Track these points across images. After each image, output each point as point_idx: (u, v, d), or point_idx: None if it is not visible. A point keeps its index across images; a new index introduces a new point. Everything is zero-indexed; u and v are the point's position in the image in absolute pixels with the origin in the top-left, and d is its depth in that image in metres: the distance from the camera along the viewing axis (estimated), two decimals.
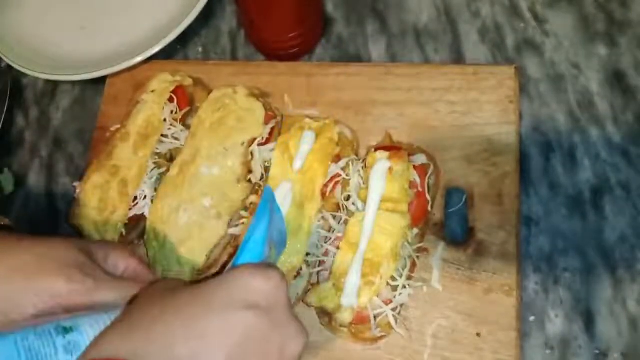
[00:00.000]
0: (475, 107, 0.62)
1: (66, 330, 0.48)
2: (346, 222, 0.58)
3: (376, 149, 0.60)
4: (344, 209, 0.60)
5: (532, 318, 0.58)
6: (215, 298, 0.36)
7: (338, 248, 0.57)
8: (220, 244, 0.62)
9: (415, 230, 0.58)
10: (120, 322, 0.36)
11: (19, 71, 0.77)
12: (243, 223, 0.61)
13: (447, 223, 0.60)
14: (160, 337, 0.33)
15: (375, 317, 0.54)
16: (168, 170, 0.65)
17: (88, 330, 0.49)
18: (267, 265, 0.40)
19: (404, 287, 0.55)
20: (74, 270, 0.45)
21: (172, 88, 0.68)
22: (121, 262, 0.51)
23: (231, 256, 0.62)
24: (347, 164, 0.61)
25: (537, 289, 0.59)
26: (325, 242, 0.59)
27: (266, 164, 0.64)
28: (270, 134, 0.65)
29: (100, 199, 0.64)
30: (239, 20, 0.79)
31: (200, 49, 0.79)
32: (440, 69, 0.66)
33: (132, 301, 0.42)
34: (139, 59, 0.71)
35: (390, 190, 0.57)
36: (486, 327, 0.55)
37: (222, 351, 0.34)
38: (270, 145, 0.64)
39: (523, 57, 0.68)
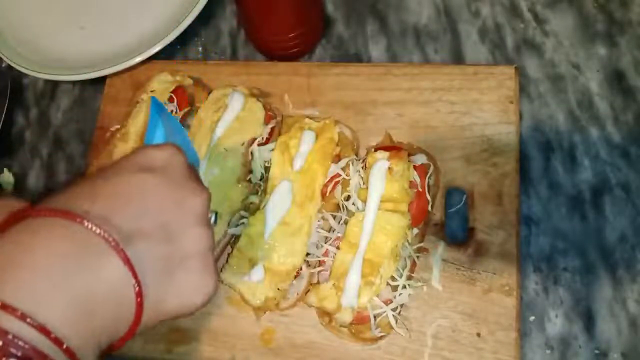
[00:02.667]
0: (475, 107, 0.62)
1: None
2: (346, 222, 0.58)
3: (376, 149, 0.60)
4: (344, 209, 0.60)
5: (532, 318, 0.58)
6: (120, 165, 0.40)
7: (338, 248, 0.57)
8: (220, 244, 0.62)
9: (415, 230, 0.58)
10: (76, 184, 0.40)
11: (19, 71, 0.77)
12: (243, 223, 0.61)
13: (447, 223, 0.61)
14: (83, 195, 0.37)
15: (375, 317, 0.54)
16: None
17: None
18: (165, 143, 0.44)
19: (404, 287, 0.55)
20: None
21: (172, 88, 0.68)
22: None
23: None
24: (347, 164, 0.61)
25: (537, 289, 0.59)
26: (325, 242, 0.59)
27: (266, 164, 0.64)
28: (270, 134, 0.65)
29: None
30: (239, 20, 0.79)
31: (200, 49, 0.79)
32: (440, 69, 0.66)
33: None
34: (139, 59, 0.71)
35: (390, 190, 0.57)
36: (486, 327, 0.55)
37: (122, 205, 0.37)
38: (270, 145, 0.64)
39: (523, 57, 0.68)
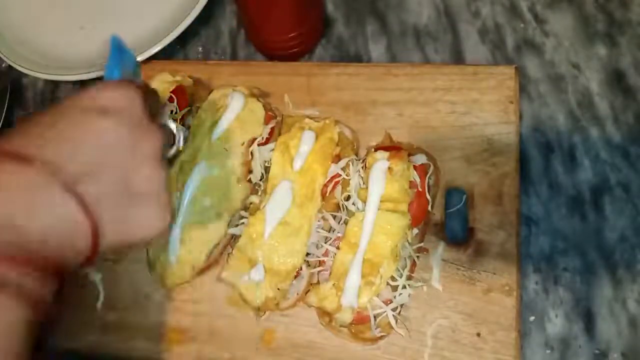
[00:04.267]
0: (475, 107, 0.62)
1: None
2: (346, 222, 0.58)
3: (376, 149, 0.60)
4: (344, 209, 0.60)
5: (532, 318, 0.58)
6: (75, 105, 0.41)
7: (338, 248, 0.57)
8: (220, 244, 0.62)
9: (415, 230, 0.58)
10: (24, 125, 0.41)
11: (19, 71, 0.77)
12: (243, 223, 0.61)
13: (447, 223, 0.61)
14: (36, 135, 0.39)
15: (375, 317, 0.54)
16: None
17: None
18: (120, 81, 0.44)
19: (404, 287, 0.55)
20: None
21: (172, 88, 0.68)
22: None
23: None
24: (347, 164, 0.61)
25: (537, 289, 0.59)
26: (325, 242, 0.59)
27: (266, 164, 0.64)
28: (270, 134, 0.65)
29: None
30: (239, 20, 0.79)
31: (200, 49, 0.79)
32: (440, 69, 0.65)
33: None
34: (139, 59, 0.71)
35: (390, 190, 0.57)
36: (486, 327, 0.55)
37: (74, 147, 0.39)
38: (270, 145, 0.64)
39: (523, 57, 0.68)
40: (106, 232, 0.39)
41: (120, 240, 0.41)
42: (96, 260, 0.40)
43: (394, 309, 0.55)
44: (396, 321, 0.55)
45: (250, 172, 0.64)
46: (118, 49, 0.49)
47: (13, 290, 0.34)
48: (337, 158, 0.62)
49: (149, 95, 0.45)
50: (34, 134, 0.39)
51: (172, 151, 0.51)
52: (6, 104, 0.79)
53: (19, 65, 0.76)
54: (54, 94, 0.82)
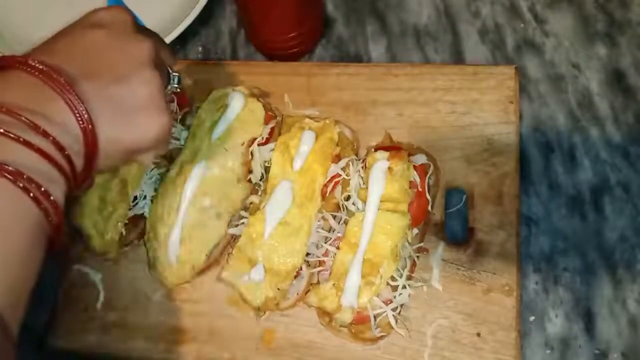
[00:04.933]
0: (475, 107, 0.62)
1: None
2: (346, 222, 0.58)
3: (376, 149, 0.60)
4: (344, 209, 0.60)
5: (532, 318, 0.58)
6: (72, 25, 0.46)
7: (338, 248, 0.57)
8: (220, 244, 0.62)
9: (415, 230, 0.58)
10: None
11: None
12: (243, 223, 0.61)
13: (447, 223, 0.61)
14: (42, 50, 0.43)
15: (375, 317, 0.54)
16: (168, 170, 0.65)
17: None
18: (114, 5, 0.49)
19: (404, 287, 0.55)
20: None
21: None
22: None
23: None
24: (347, 164, 0.61)
25: (537, 289, 0.59)
26: (325, 242, 0.59)
27: (266, 164, 0.64)
28: (270, 134, 0.65)
29: (100, 198, 0.64)
30: (239, 20, 0.79)
31: (200, 49, 0.79)
32: (440, 69, 0.66)
33: None
34: None
35: (390, 190, 0.57)
36: (486, 327, 0.55)
37: (71, 54, 0.42)
38: (270, 145, 0.64)
39: (523, 57, 0.68)
40: (103, 129, 0.40)
41: (121, 140, 0.42)
42: (97, 165, 0.41)
43: (394, 309, 0.55)
44: (396, 321, 0.55)
45: (250, 172, 0.64)
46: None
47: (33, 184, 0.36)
48: (337, 158, 0.62)
49: (154, 38, 0.48)
50: (39, 49, 0.43)
51: (166, 90, 0.52)
52: None
53: None
54: None
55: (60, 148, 0.38)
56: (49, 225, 0.38)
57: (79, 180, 0.41)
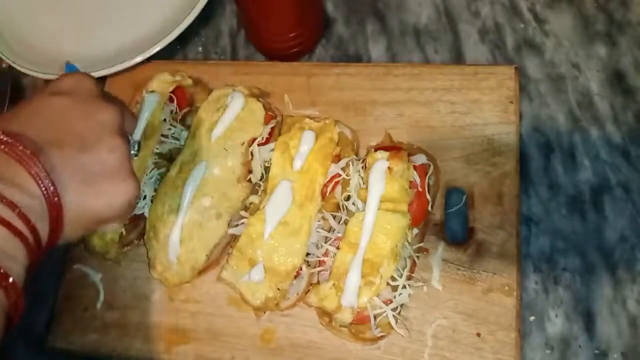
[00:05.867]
0: (475, 107, 0.62)
1: None
2: (346, 222, 0.58)
3: (376, 149, 0.60)
4: (344, 209, 0.60)
5: (532, 318, 0.58)
6: (35, 94, 0.47)
7: (338, 248, 0.57)
8: (220, 244, 0.62)
9: (415, 230, 0.58)
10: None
11: (19, 71, 0.77)
12: (243, 223, 0.61)
13: (447, 223, 0.60)
14: (11, 117, 0.43)
15: (375, 317, 0.54)
16: (168, 170, 0.65)
17: None
18: (78, 72, 0.49)
19: (404, 287, 0.55)
20: None
21: (172, 88, 0.68)
22: None
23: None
24: (347, 164, 0.61)
25: (537, 289, 0.59)
26: (325, 242, 0.59)
27: (266, 164, 0.64)
28: (270, 134, 0.65)
29: None
30: (239, 20, 0.79)
31: (200, 49, 0.79)
32: (440, 69, 0.66)
33: None
34: (139, 59, 0.71)
35: (390, 190, 0.57)
36: (486, 327, 0.55)
37: (36, 122, 0.42)
38: (270, 145, 0.64)
39: (523, 57, 0.68)
40: (69, 200, 0.40)
41: (88, 210, 0.42)
42: (62, 237, 0.41)
43: (394, 309, 0.54)
44: (396, 321, 0.55)
45: (250, 172, 0.64)
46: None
47: None
48: (337, 158, 0.62)
49: (118, 104, 0.48)
50: (3, 118, 0.43)
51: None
52: (6, 104, 0.79)
53: (19, 65, 0.76)
54: None
55: (26, 220, 0.37)
56: (7, 303, 0.36)
57: (42, 251, 0.40)
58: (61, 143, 0.41)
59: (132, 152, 0.51)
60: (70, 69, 0.54)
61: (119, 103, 0.49)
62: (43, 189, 0.38)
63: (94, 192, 0.42)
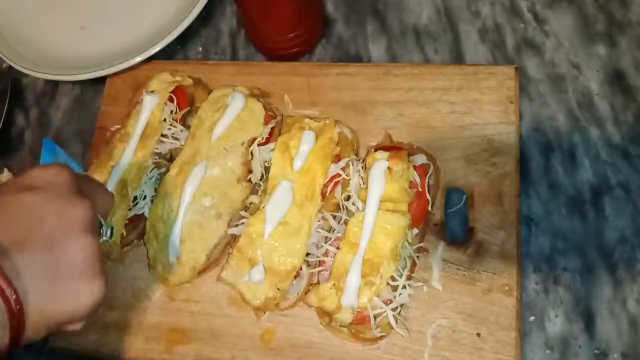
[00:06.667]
0: (475, 107, 0.62)
1: None
2: (346, 222, 0.58)
3: (376, 149, 0.60)
4: (344, 209, 0.60)
5: (532, 318, 0.58)
6: (4, 187, 0.44)
7: (338, 248, 0.57)
8: (220, 244, 0.62)
9: (415, 230, 0.58)
10: None
11: (19, 71, 0.77)
12: (243, 223, 0.61)
13: (447, 223, 0.60)
14: None
15: (375, 317, 0.54)
16: (168, 170, 0.65)
17: None
18: (52, 163, 0.47)
19: (404, 287, 0.55)
20: None
21: (172, 88, 0.68)
22: None
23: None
24: (347, 164, 0.61)
25: (537, 289, 0.59)
26: (325, 242, 0.59)
27: (266, 164, 0.64)
28: (270, 134, 0.65)
29: None
30: (239, 20, 0.79)
31: (200, 49, 0.79)
32: (440, 69, 0.66)
33: None
34: (139, 59, 0.71)
35: (390, 190, 0.57)
36: (486, 327, 0.55)
37: (7, 226, 0.40)
38: (270, 145, 0.64)
39: (523, 58, 0.68)
40: (33, 304, 0.39)
41: (52, 313, 0.41)
42: (23, 341, 0.39)
43: (394, 309, 0.54)
44: (396, 321, 0.55)
45: (250, 172, 0.64)
46: (51, 151, 0.53)
47: None
48: (337, 158, 0.62)
49: (93, 196, 0.46)
50: None
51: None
52: (6, 104, 0.79)
53: (19, 65, 0.76)
54: (54, 94, 0.82)
55: None
56: None
57: (1, 355, 0.39)
58: (29, 244, 0.40)
59: (104, 237, 0.49)
60: (48, 147, 0.52)
61: (96, 187, 0.48)
62: (5, 298, 0.37)
63: (59, 294, 0.41)
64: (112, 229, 0.50)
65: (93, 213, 0.44)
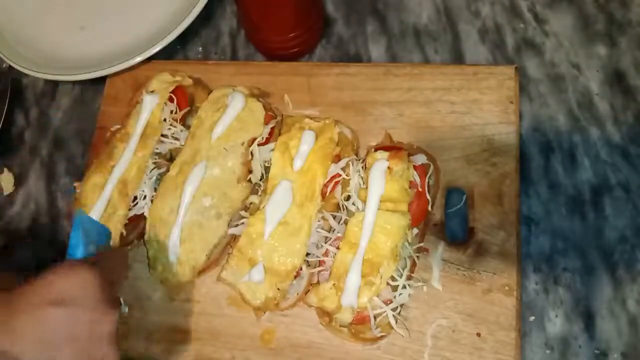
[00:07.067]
0: (475, 107, 0.62)
1: None
2: (346, 222, 0.58)
3: (376, 149, 0.60)
4: (344, 209, 0.60)
5: (532, 318, 0.58)
6: (26, 299, 0.43)
7: (338, 248, 0.57)
8: (220, 244, 0.62)
9: (415, 230, 0.58)
10: None
11: (19, 71, 0.77)
12: (243, 223, 0.61)
13: (447, 223, 0.60)
14: (7, 330, 0.42)
15: (375, 317, 0.54)
16: (168, 170, 0.65)
17: None
18: (77, 263, 0.47)
19: (404, 287, 0.55)
20: None
21: (172, 88, 0.68)
22: None
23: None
24: (347, 164, 0.61)
25: (537, 289, 0.59)
26: (325, 242, 0.59)
27: (266, 164, 0.64)
28: (270, 134, 0.65)
29: (100, 199, 0.64)
30: (239, 20, 0.79)
31: (200, 49, 0.79)
32: (440, 69, 0.66)
33: None
34: (139, 59, 0.71)
35: (390, 190, 0.57)
36: (486, 327, 0.55)
37: (33, 342, 0.41)
38: (270, 145, 0.64)
39: (523, 57, 0.68)
40: None
41: None
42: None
43: (394, 309, 0.54)
44: (396, 321, 0.55)
45: (250, 172, 0.64)
46: (84, 224, 0.53)
47: None
48: (337, 158, 0.62)
49: (113, 264, 0.49)
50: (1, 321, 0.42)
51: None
52: (6, 104, 0.79)
53: (19, 65, 0.76)
54: (54, 94, 0.82)
55: None
56: None
57: None
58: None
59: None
60: (79, 221, 0.53)
61: (116, 263, 0.52)
62: None
63: None
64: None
65: (116, 324, 0.46)
